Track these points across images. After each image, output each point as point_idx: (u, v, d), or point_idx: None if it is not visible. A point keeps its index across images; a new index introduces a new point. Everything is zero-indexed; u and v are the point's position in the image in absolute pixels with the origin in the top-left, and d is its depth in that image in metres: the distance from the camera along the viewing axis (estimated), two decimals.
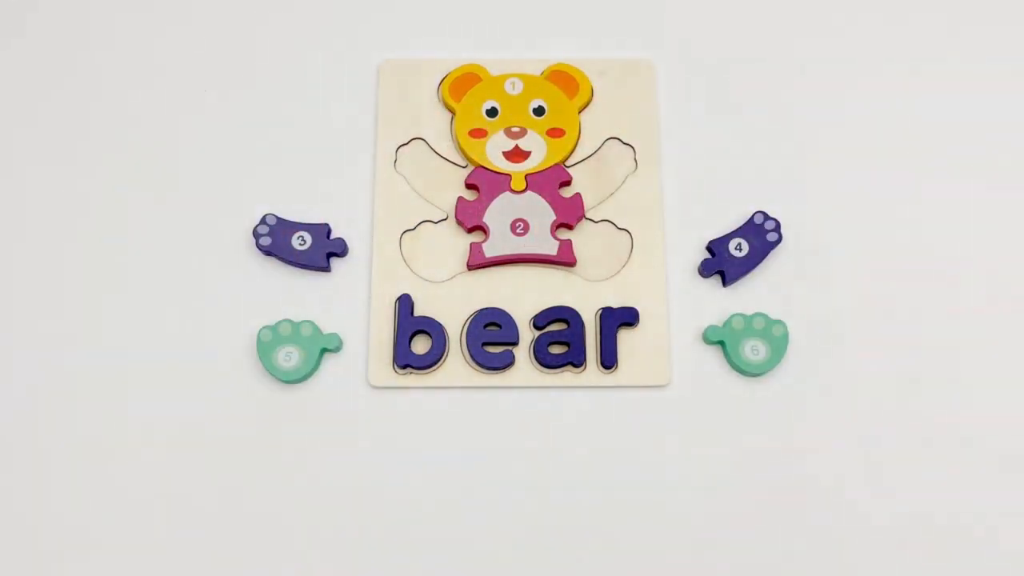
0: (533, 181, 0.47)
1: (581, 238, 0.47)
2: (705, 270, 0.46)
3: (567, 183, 0.47)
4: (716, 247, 0.46)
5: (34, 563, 0.42)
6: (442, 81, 0.49)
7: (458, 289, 0.46)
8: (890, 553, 0.42)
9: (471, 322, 0.45)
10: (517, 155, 0.48)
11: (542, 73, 0.49)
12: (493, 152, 0.48)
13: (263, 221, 0.46)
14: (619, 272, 0.46)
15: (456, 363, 0.44)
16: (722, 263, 0.46)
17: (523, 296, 0.46)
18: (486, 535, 0.42)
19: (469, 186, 0.47)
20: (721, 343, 0.45)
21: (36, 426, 0.44)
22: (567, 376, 0.44)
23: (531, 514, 0.43)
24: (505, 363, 0.44)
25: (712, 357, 0.45)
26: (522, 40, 0.51)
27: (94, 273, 0.46)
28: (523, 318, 0.45)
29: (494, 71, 0.49)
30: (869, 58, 0.51)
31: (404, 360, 0.44)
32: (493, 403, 0.44)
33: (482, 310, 0.45)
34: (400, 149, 0.48)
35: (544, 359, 0.44)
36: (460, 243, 0.47)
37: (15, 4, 0.52)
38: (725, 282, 0.46)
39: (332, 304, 0.46)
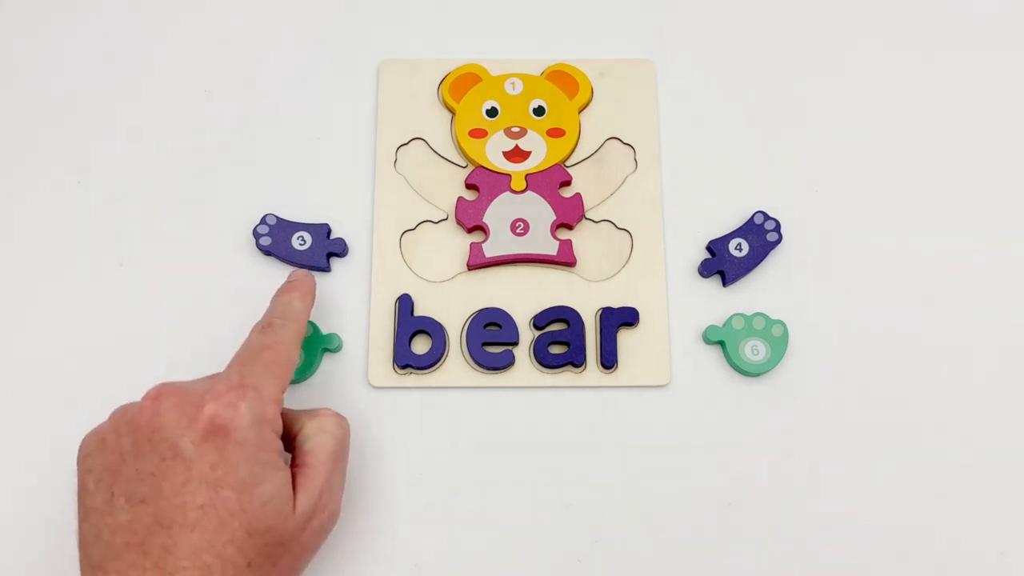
0: (533, 181, 0.47)
1: (581, 238, 0.47)
2: (705, 270, 0.46)
3: (567, 183, 0.47)
4: (716, 247, 0.46)
5: (36, 562, 0.42)
6: (442, 81, 0.49)
7: (458, 289, 0.46)
8: (890, 554, 0.42)
9: (471, 322, 0.45)
10: (517, 155, 0.48)
11: (542, 73, 0.49)
12: (493, 152, 0.48)
13: (263, 221, 0.46)
14: (619, 272, 0.46)
15: (456, 363, 0.44)
16: (722, 263, 0.46)
17: (523, 296, 0.46)
18: (485, 535, 0.42)
19: (469, 186, 0.47)
20: (721, 343, 0.45)
21: (35, 425, 0.44)
22: (567, 376, 0.44)
23: (530, 514, 0.43)
24: (505, 363, 0.44)
25: (712, 357, 0.45)
26: (522, 40, 0.51)
27: (94, 273, 0.46)
28: (523, 318, 0.45)
29: (494, 71, 0.49)
30: (869, 59, 0.51)
31: (404, 360, 0.44)
32: (493, 403, 0.44)
33: (482, 310, 0.45)
34: (400, 149, 0.48)
35: (544, 359, 0.44)
36: (460, 243, 0.47)
37: (17, 2, 0.52)
38: (725, 282, 0.46)
39: (332, 304, 0.46)
